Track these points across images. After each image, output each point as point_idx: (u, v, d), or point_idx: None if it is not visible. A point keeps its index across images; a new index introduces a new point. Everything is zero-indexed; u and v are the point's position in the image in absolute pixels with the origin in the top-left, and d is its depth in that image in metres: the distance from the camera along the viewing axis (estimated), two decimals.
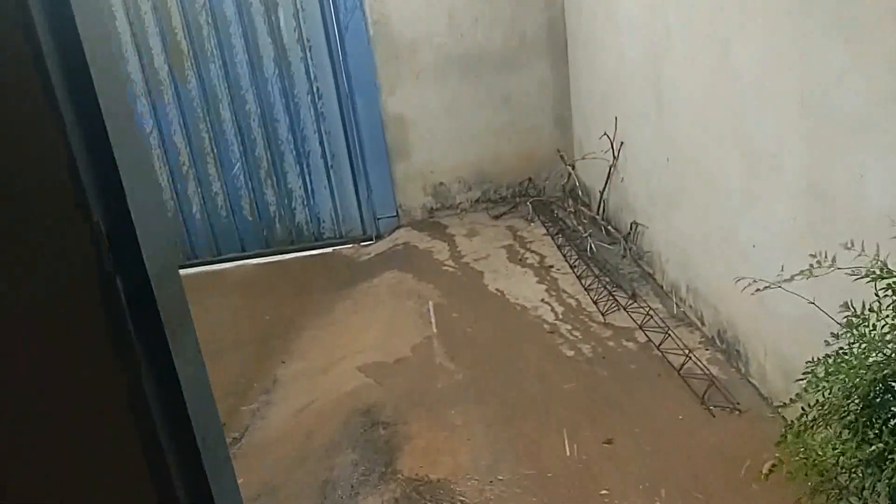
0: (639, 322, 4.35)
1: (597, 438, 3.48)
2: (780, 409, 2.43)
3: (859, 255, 1.92)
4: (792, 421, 2.05)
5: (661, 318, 4.37)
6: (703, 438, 3.38)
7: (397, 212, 6.47)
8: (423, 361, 4.31)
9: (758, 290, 2.24)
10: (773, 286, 2.21)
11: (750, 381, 3.69)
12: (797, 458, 1.96)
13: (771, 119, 3.19)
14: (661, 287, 4.70)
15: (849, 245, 1.93)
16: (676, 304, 4.48)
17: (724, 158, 3.65)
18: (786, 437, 2.01)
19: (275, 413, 4.43)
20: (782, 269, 2.27)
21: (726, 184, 3.66)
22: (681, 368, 3.87)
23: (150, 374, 1.06)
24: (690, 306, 4.32)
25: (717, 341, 4.01)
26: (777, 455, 2.01)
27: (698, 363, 3.89)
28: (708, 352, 4.02)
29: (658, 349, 4.07)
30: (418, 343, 4.51)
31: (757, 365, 3.62)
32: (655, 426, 3.51)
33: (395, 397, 3.99)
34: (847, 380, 1.82)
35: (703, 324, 4.19)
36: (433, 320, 4.66)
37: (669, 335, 4.15)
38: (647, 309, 4.46)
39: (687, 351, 3.97)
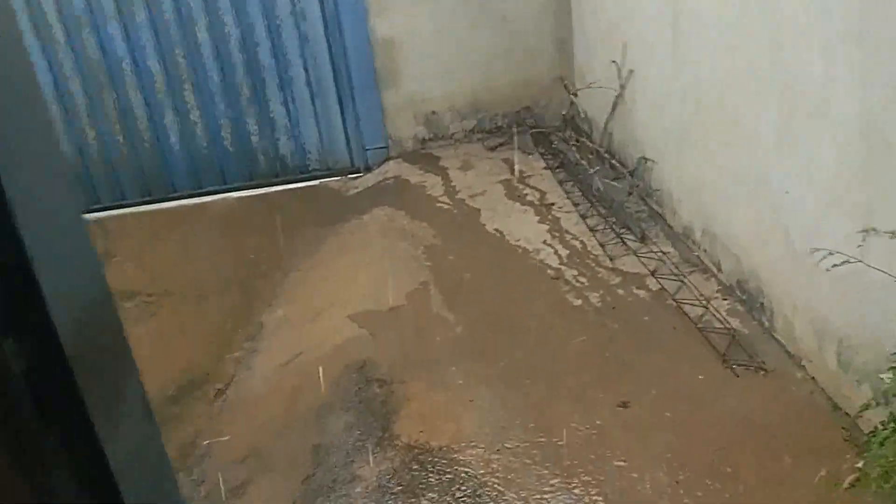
0: (650, 268, 4.02)
1: (610, 401, 3.17)
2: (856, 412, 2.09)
3: None
4: (876, 426, 1.73)
5: (673, 264, 4.04)
6: (727, 403, 3.09)
7: (387, 142, 6.02)
8: (419, 311, 3.97)
9: (834, 265, 1.88)
10: (852, 261, 1.86)
11: (775, 337, 3.38)
12: (879, 468, 1.64)
13: (817, 47, 2.78)
14: (673, 229, 4.34)
15: None
16: (690, 248, 4.14)
17: (756, 93, 3.25)
18: (870, 445, 1.69)
19: (261, 363, 4.12)
20: (863, 241, 1.92)
21: (757, 122, 3.27)
22: (699, 321, 3.55)
23: (69, 477, 0.70)
24: (706, 251, 3.98)
25: (737, 291, 3.68)
26: (858, 466, 1.69)
27: (717, 315, 3.58)
28: (726, 302, 3.70)
29: (673, 298, 3.75)
30: (413, 290, 4.16)
31: (783, 320, 3.31)
32: (674, 387, 3.21)
33: (391, 352, 3.66)
34: None
35: (720, 271, 3.85)
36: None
37: (684, 283, 3.82)
38: (659, 253, 4.12)
39: (704, 301, 3.65)
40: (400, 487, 2.91)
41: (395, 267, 4.45)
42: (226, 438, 3.65)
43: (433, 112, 6.01)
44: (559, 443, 3.00)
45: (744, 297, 3.62)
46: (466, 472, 2.91)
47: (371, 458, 3.06)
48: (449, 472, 2.93)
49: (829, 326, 2.97)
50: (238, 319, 4.58)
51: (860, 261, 1.93)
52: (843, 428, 2.87)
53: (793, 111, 2.99)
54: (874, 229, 1.91)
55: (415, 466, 2.98)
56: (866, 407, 2.78)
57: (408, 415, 3.26)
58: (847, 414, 2.92)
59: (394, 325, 3.89)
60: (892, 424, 1.66)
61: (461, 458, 2.98)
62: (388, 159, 6.00)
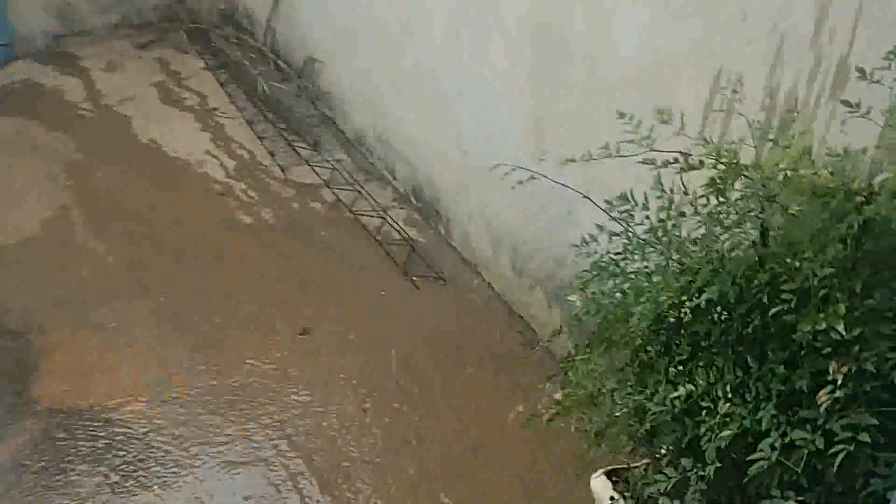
0: (325, 178, 3.69)
1: (290, 330, 2.85)
2: (548, 341, 1.97)
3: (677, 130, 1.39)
4: (569, 352, 1.57)
5: (348, 173, 3.74)
6: (410, 317, 2.91)
7: (11, 38, 4.93)
8: (59, 242, 3.27)
9: (520, 182, 1.67)
10: (536, 176, 1.67)
11: (452, 245, 3.26)
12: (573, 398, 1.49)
13: None
14: (346, 135, 4.03)
15: (665, 118, 1.39)
16: (364, 155, 3.87)
17: None
18: (564, 374, 1.52)
19: None
20: (544, 155, 1.71)
21: (428, 20, 3.01)
22: (377, 233, 3.32)
23: None
24: (380, 158, 3.73)
25: (413, 199, 3.50)
26: (558, 398, 1.52)
27: (395, 226, 3.37)
28: (403, 211, 3.50)
29: (350, 210, 3.47)
30: (51, 216, 3.42)
31: (460, 228, 3.18)
32: (357, 306, 2.96)
33: (24, 295, 2.97)
34: (647, 304, 1.35)
35: (395, 178, 3.64)
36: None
37: (361, 193, 3.55)
38: (333, 162, 3.80)
39: (382, 212, 3.42)
40: (42, 464, 2.35)
41: (27, 190, 3.63)
42: None
43: (67, 2, 5.02)
44: (234, 384, 2.62)
45: (420, 206, 3.45)
46: (125, 434, 2.44)
47: (2, 430, 2.45)
48: (103, 437, 2.43)
49: (504, 233, 2.89)
50: None
51: (537, 174, 1.74)
52: (518, 332, 2.84)
53: (464, 6, 2.76)
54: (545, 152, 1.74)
55: (60, 435, 2.43)
56: (538, 316, 2.76)
57: (49, 371, 2.66)
58: (522, 318, 2.89)
59: (27, 262, 3.16)
60: (581, 354, 1.52)
61: (118, 417, 2.49)
62: (13, 59, 4.92)
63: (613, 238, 1.57)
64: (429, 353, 2.74)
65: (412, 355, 2.73)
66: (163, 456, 2.37)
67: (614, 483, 1.63)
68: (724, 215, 1.40)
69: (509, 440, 2.35)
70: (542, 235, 2.65)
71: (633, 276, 1.46)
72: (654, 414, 1.33)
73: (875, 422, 1.14)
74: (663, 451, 1.40)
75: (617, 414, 1.38)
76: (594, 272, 1.54)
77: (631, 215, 1.53)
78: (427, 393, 2.56)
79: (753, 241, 1.38)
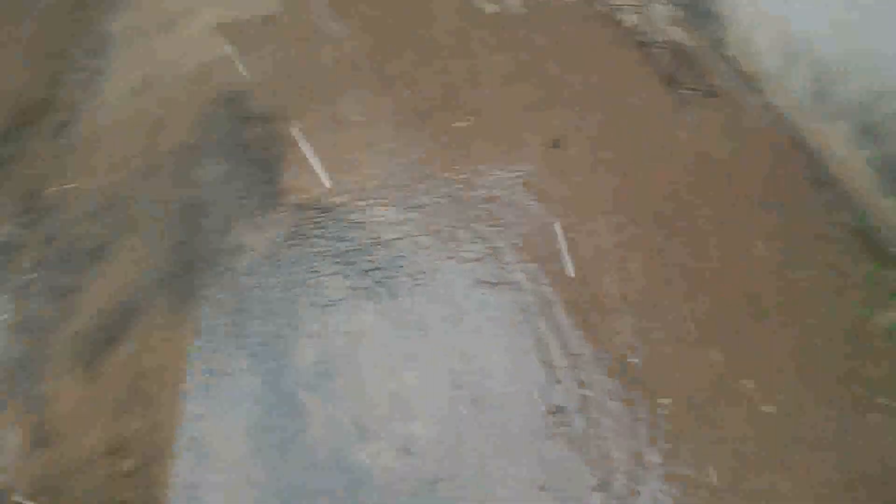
0: None
1: (541, 139, 2.53)
2: None
3: None
4: None
5: None
6: (674, 137, 2.49)
7: None
8: (298, 22, 3.05)
9: None
10: None
11: (726, 54, 2.72)
12: None
13: None
14: None
15: None
16: None
17: None
18: None
19: (110, 89, 3.19)
20: None
21: None
22: (636, 32, 2.83)
23: None
24: None
25: None
26: None
27: (657, 25, 2.86)
28: (667, 7, 2.95)
29: (605, 4, 2.97)
30: None
31: (740, 33, 2.63)
32: (613, 119, 2.57)
33: (268, 77, 2.82)
34: None
35: None
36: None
37: None
38: None
39: (643, 9, 2.90)
40: (292, 260, 2.27)
41: None
42: (74, 185, 2.86)
43: None
44: (481, 196, 2.38)
45: (688, 2, 2.89)
46: (373, 239, 2.29)
47: (256, 220, 2.38)
48: (350, 239, 2.30)
49: (805, 43, 2.33)
50: (74, 29, 3.52)
51: None
52: (806, 168, 2.36)
53: None
54: None
55: (310, 231, 2.33)
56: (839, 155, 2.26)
57: (297, 162, 2.53)
58: (810, 152, 2.39)
59: (269, 41, 2.98)
60: None
61: (364, 219, 2.34)
62: None
63: None
64: (694, 182, 2.34)
65: (675, 182, 2.35)
66: (410, 265, 2.22)
67: None
68: None
69: (791, 296, 1.98)
70: (863, 51, 2.09)
71: None
72: None
73: None
74: None
75: None
76: None
77: None
78: (693, 229, 2.21)
79: None
